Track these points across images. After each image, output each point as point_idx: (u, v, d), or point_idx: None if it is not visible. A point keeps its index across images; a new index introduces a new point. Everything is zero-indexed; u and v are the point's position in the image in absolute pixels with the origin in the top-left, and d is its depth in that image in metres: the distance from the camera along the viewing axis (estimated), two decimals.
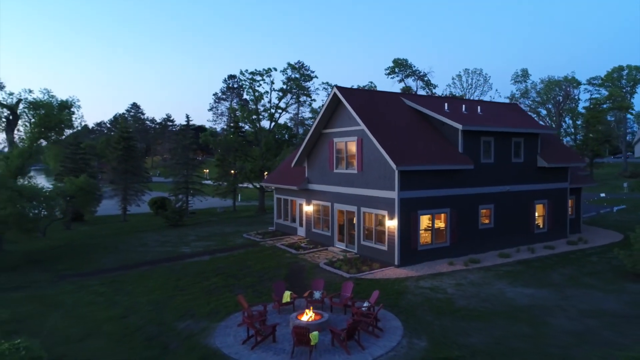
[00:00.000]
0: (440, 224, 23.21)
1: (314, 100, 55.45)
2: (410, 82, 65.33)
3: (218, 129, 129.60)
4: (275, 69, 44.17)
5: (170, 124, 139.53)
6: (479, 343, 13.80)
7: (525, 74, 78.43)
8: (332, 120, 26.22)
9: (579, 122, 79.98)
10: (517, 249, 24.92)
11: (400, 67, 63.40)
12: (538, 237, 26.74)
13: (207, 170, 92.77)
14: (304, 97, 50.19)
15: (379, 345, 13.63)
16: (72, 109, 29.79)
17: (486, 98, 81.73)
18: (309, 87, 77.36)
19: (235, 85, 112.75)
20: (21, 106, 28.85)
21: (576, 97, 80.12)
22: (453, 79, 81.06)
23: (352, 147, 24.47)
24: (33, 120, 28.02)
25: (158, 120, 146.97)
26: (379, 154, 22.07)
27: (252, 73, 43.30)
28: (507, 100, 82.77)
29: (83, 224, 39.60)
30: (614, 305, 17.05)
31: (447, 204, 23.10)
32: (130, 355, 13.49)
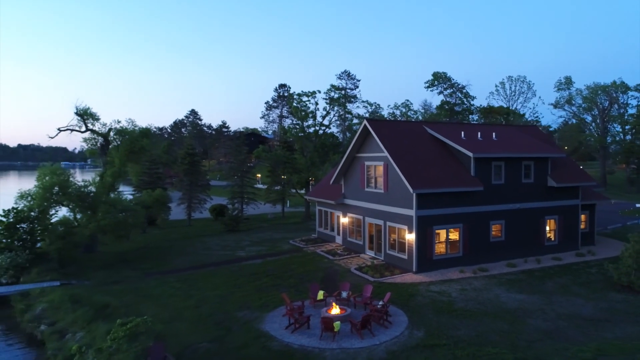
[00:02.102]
0: (454, 236, 27.18)
1: (355, 116, 59.83)
2: (447, 92, 68.13)
3: (269, 133, 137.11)
4: (319, 91, 49.15)
5: (226, 130, 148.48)
6: (464, 335, 17.97)
7: (568, 82, 78.77)
8: (363, 146, 30.78)
9: (627, 128, 79.36)
10: (525, 259, 28.38)
11: (440, 80, 66.43)
12: (548, 249, 29.94)
13: (260, 175, 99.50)
14: (347, 114, 54.80)
15: (386, 334, 18.14)
16: (149, 136, 36.25)
17: (529, 105, 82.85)
18: (355, 95, 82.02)
19: (286, 94, 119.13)
20: (111, 134, 35.53)
21: (624, 103, 79.35)
22: (496, 86, 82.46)
23: (379, 170, 28.92)
24: (120, 145, 34.57)
25: (214, 126, 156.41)
26: (400, 178, 26.40)
27: (299, 94, 48.58)
28: (551, 107, 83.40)
29: (155, 228, 46.40)
30: (589, 311, 20.54)
31: (460, 220, 27.05)
32: (205, 335, 18.77)
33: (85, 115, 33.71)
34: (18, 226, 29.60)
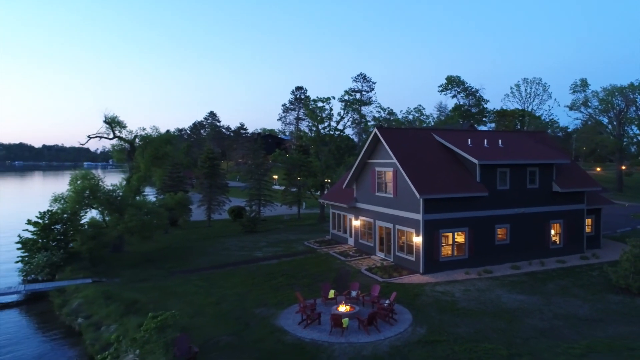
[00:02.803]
0: (460, 239, 28.50)
1: (371, 119, 61.31)
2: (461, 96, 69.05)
3: (286, 134, 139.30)
4: (334, 97, 50.83)
5: (244, 131, 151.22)
6: (463, 332, 19.38)
7: (584, 84, 78.72)
8: (374, 153, 32.29)
9: None
10: (530, 262, 29.51)
11: (453, 83, 67.37)
12: (553, 252, 31.00)
13: (277, 177, 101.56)
14: (362, 118, 56.29)
15: (391, 330, 19.66)
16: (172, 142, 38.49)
17: (545, 107, 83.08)
18: (371, 97, 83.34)
19: (302, 96, 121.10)
20: (137, 140, 37.82)
21: None
22: (511, 88, 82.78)
23: (389, 176, 30.39)
24: (145, 151, 36.81)
25: (233, 128, 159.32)
26: (408, 184, 27.84)
27: (314, 100, 50.30)
28: (567, 109, 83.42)
29: (177, 229, 48.64)
30: (585, 311, 21.71)
31: (465, 224, 28.35)
32: (225, 329, 20.57)
33: (113, 123, 36.04)
34: (53, 227, 31.97)
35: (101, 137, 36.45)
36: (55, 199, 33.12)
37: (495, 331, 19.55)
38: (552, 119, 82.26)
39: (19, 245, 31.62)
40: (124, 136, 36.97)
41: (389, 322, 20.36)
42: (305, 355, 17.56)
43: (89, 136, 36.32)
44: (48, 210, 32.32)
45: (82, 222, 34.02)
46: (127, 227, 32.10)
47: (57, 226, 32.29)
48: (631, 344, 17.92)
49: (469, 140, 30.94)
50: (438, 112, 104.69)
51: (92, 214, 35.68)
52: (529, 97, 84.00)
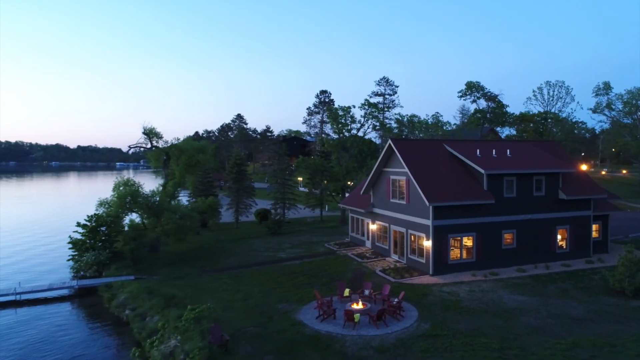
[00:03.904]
0: (468, 243, 30.63)
1: (392, 123, 63.49)
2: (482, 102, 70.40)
3: (312, 135, 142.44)
4: (354, 106, 53.37)
5: (270, 134, 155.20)
6: (463, 328, 21.68)
7: (607, 87, 78.65)
8: (389, 162, 34.70)
9: None
10: (536, 265, 31.37)
11: (473, 89, 68.80)
12: (559, 256, 32.72)
13: (301, 179, 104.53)
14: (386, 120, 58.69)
15: (398, 325, 22.14)
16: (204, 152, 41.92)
17: (567, 110, 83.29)
18: (394, 100, 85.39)
19: (327, 99, 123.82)
20: (172, 150, 41.42)
21: None
22: (534, 91, 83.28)
23: (402, 184, 32.76)
24: (180, 159, 40.31)
25: (259, 130, 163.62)
26: (418, 191, 30.16)
27: (335, 109, 52.91)
28: (590, 112, 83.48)
29: (208, 230, 52.11)
30: (578, 312, 23.64)
31: (473, 229, 30.48)
32: (252, 321, 23.44)
33: (151, 134, 39.64)
34: (99, 229, 35.68)
35: (140, 147, 40.18)
36: (101, 204, 36.86)
37: (492, 328, 21.77)
38: (579, 120, 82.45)
39: (62, 244, 35.38)
40: (160, 146, 40.53)
41: (396, 318, 22.84)
42: (320, 345, 20.23)
43: (129, 146, 40.12)
44: (95, 214, 36.05)
45: (123, 224, 37.69)
46: (164, 230, 35.51)
47: (102, 228, 35.98)
48: (614, 341, 19.88)
49: (478, 150, 32.98)
50: (461, 115, 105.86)
51: (133, 217, 39.30)
52: (552, 99, 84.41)
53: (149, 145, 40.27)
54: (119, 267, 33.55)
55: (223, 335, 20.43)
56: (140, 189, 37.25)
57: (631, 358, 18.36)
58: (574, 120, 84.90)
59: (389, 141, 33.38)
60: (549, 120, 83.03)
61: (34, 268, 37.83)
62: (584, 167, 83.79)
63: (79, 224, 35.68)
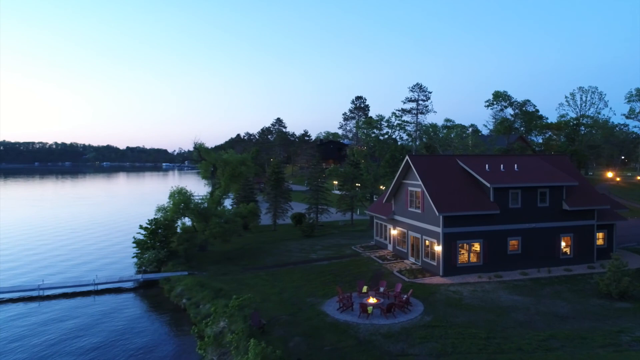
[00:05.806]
0: (475, 248, 34.52)
1: (429, 125, 67.32)
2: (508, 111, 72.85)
3: (349, 139, 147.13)
4: (384, 117, 57.72)
5: (307, 137, 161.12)
6: (459, 321, 25.86)
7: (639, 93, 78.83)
8: (407, 174, 38.99)
9: None
10: (539, 269, 34.82)
11: (499, 99, 71.38)
12: (563, 262, 35.96)
13: (336, 182, 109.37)
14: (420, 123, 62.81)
15: (404, 317, 26.62)
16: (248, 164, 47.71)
17: (601, 116, 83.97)
18: (427, 105, 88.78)
19: (362, 105, 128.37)
20: (219, 162, 47.46)
21: None
22: (566, 97, 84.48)
23: (418, 195, 36.98)
24: (225, 170, 46.16)
25: (297, 134, 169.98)
26: (430, 202, 34.34)
27: (365, 122, 57.50)
28: (623, 118, 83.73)
29: (248, 232, 57.92)
30: (565, 310, 27.25)
31: (480, 236, 34.35)
32: (285, 311, 28.49)
33: (200, 148, 45.63)
34: (157, 231, 41.92)
35: (191, 160, 46.12)
36: (159, 209, 43.14)
37: (484, 321, 25.84)
38: (620, 123, 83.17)
39: (118, 241, 41.77)
40: (208, 159, 46.51)
41: (404, 312, 27.31)
42: (338, 330, 25.02)
43: (183, 158, 46.15)
44: (154, 219, 42.35)
45: (176, 226, 43.85)
46: (211, 232, 41.30)
47: (160, 230, 42.21)
48: (585, 335, 23.54)
49: (487, 165, 36.72)
50: (494, 120, 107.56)
51: (185, 221, 45.42)
52: (585, 105, 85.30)
53: (199, 158, 46.31)
54: (175, 264, 39.59)
55: (261, 320, 25.60)
56: (192, 197, 43.26)
57: (594, 348, 22.06)
58: (613, 123, 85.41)
59: (407, 157, 37.69)
60: (582, 127, 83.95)
61: (98, 260, 44.97)
62: (609, 174, 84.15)
63: (141, 227, 42.06)
